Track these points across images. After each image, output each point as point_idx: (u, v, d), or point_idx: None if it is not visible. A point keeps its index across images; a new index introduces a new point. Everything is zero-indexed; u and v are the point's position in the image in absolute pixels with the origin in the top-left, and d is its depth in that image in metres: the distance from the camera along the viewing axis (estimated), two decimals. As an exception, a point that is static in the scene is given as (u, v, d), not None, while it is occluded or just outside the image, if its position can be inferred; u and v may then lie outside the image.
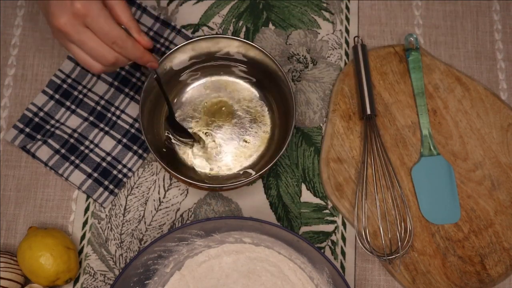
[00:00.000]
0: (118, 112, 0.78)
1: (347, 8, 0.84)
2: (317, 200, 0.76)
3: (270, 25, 0.83)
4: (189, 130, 0.76)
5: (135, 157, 0.76)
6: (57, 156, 0.75)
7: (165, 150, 0.75)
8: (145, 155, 0.77)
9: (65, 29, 0.57)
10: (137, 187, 0.76)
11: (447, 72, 0.80)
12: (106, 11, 0.58)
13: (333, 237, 0.75)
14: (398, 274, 0.73)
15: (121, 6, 0.60)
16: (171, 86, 0.76)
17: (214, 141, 0.76)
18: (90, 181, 0.75)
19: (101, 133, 0.77)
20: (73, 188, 0.76)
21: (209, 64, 0.77)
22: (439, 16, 0.84)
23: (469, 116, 0.78)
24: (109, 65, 0.61)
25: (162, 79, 0.72)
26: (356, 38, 0.81)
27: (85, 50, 0.59)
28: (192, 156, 0.76)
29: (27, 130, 0.77)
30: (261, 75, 0.76)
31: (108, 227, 0.75)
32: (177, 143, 0.75)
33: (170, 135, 0.75)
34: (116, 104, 0.78)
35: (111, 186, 0.75)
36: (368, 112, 0.76)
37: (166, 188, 0.76)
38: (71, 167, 0.75)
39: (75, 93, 0.78)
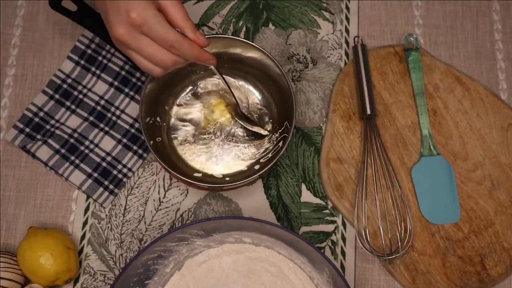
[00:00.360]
0: (118, 112, 0.78)
1: (347, 8, 0.84)
2: (317, 200, 0.76)
3: (270, 25, 0.83)
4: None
5: (135, 157, 0.76)
6: (57, 156, 0.75)
7: (163, 146, 0.75)
8: (145, 155, 0.77)
9: (123, 39, 0.59)
10: (137, 187, 0.76)
11: (447, 72, 0.80)
12: (161, 16, 0.59)
13: (333, 237, 0.75)
14: (398, 274, 0.73)
15: (175, 7, 0.61)
16: (171, 87, 0.76)
17: (214, 141, 0.76)
18: (90, 181, 0.75)
19: (101, 133, 0.77)
20: (73, 188, 0.76)
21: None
22: (439, 16, 0.84)
23: (469, 116, 0.78)
24: (169, 67, 0.62)
25: (162, 78, 0.72)
26: (356, 38, 0.81)
27: (143, 55, 0.60)
28: (192, 156, 0.76)
29: (27, 130, 0.77)
30: (261, 75, 0.76)
31: (108, 227, 0.75)
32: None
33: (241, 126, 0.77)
34: (116, 104, 0.78)
35: (111, 186, 0.75)
36: (368, 112, 0.76)
37: (166, 188, 0.76)
38: (71, 167, 0.75)
39: (75, 93, 0.78)
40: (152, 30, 0.58)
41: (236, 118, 0.76)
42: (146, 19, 0.57)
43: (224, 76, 0.78)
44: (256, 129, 0.75)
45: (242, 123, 0.76)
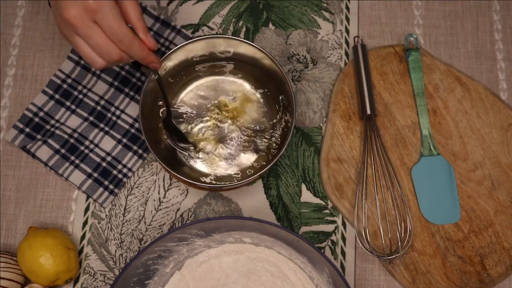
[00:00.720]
0: (118, 112, 0.78)
1: (347, 8, 0.84)
2: (317, 200, 0.76)
3: (270, 25, 0.83)
4: (189, 131, 0.76)
5: (135, 157, 0.76)
6: (57, 156, 0.75)
7: (163, 146, 0.75)
8: (145, 155, 0.77)
9: (73, 22, 0.58)
10: (137, 187, 0.76)
11: (447, 72, 0.80)
12: (117, 9, 0.59)
13: (333, 237, 0.75)
14: (398, 274, 0.73)
15: (132, 6, 0.61)
16: (171, 86, 0.76)
17: (214, 141, 0.76)
18: (90, 181, 0.75)
19: (101, 133, 0.77)
20: (73, 188, 0.76)
21: (209, 64, 0.77)
22: (439, 16, 0.84)
23: (469, 116, 0.78)
24: (112, 62, 0.61)
25: (162, 78, 0.72)
26: (356, 38, 0.81)
27: (90, 44, 0.60)
28: (192, 156, 0.75)
29: (27, 130, 0.77)
30: (261, 75, 0.76)
31: (108, 227, 0.75)
32: (176, 147, 0.75)
33: (169, 140, 0.75)
34: (116, 104, 0.78)
35: (111, 186, 0.75)
36: (368, 112, 0.76)
37: (166, 188, 0.76)
38: (71, 167, 0.75)
39: (75, 93, 0.78)
40: (105, 19, 0.58)
41: (164, 128, 0.75)
42: (102, 6, 0.57)
43: (224, 76, 0.78)
44: (182, 145, 0.75)
45: (167, 135, 0.75)
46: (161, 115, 0.76)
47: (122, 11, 0.60)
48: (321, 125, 0.79)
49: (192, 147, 0.75)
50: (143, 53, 0.62)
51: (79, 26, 0.58)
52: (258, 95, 0.78)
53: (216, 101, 0.77)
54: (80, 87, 0.79)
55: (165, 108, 0.75)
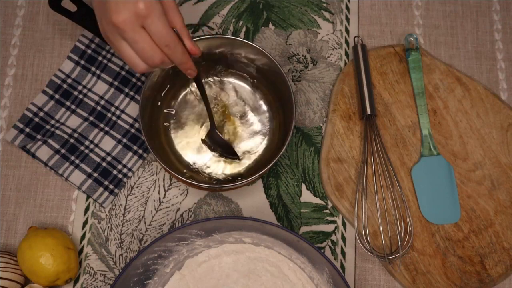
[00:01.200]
0: (118, 112, 0.78)
1: (347, 8, 0.84)
2: (317, 200, 0.76)
3: (270, 25, 0.83)
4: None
5: (135, 157, 0.76)
6: (57, 156, 0.75)
7: (163, 146, 0.75)
8: (145, 155, 0.77)
9: (122, 26, 0.58)
10: (137, 187, 0.76)
11: (447, 72, 0.80)
12: (164, 14, 0.59)
13: (333, 237, 0.75)
14: (398, 274, 0.73)
15: (176, 10, 0.61)
16: (170, 86, 0.76)
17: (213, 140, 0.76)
18: (90, 181, 0.75)
19: (101, 133, 0.77)
20: (73, 188, 0.76)
21: (209, 64, 0.77)
22: (439, 16, 0.84)
23: (469, 116, 0.78)
24: (154, 66, 0.61)
25: (162, 78, 0.72)
26: (356, 38, 0.81)
27: (135, 49, 0.60)
28: (192, 156, 0.76)
29: (27, 130, 0.77)
30: (261, 75, 0.76)
31: (108, 227, 0.75)
32: (219, 158, 0.76)
33: (210, 150, 0.75)
34: (116, 104, 0.78)
35: (111, 186, 0.75)
36: (368, 112, 0.76)
37: (166, 188, 0.76)
38: (71, 167, 0.75)
39: (75, 93, 0.78)
40: (154, 24, 0.58)
41: (206, 140, 0.75)
42: (152, 11, 0.57)
43: (223, 76, 0.78)
44: (228, 156, 0.75)
45: (211, 146, 0.75)
46: (160, 114, 0.76)
47: (167, 16, 0.60)
48: (321, 125, 0.79)
49: (238, 160, 0.75)
50: (184, 59, 0.63)
51: (127, 30, 0.58)
52: (258, 95, 0.78)
53: (216, 101, 0.77)
54: (80, 87, 0.79)
55: (167, 110, 0.75)
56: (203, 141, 0.75)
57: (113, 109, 0.78)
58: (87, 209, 0.75)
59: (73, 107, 0.78)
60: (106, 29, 0.60)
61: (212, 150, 0.75)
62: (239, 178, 0.74)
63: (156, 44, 0.60)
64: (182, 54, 0.62)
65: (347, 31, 0.83)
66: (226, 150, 0.75)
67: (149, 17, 0.58)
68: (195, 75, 0.67)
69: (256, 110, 0.77)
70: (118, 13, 0.57)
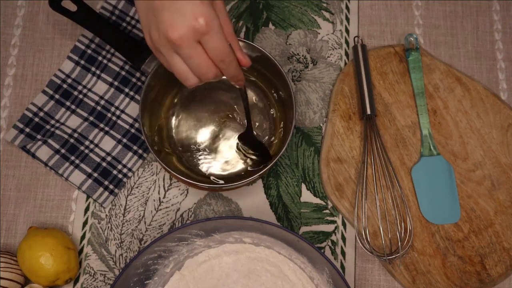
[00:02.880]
0: (118, 112, 0.78)
1: (347, 8, 0.84)
2: (317, 200, 0.76)
3: (270, 25, 0.83)
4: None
5: (135, 157, 0.76)
6: (57, 156, 0.75)
7: (163, 146, 0.75)
8: (145, 155, 0.77)
9: (179, 42, 0.54)
10: (137, 187, 0.76)
11: (447, 72, 0.80)
12: (222, 29, 0.56)
13: (333, 237, 0.75)
14: (398, 274, 0.73)
15: (227, 22, 0.59)
16: (170, 86, 0.76)
17: (214, 140, 0.76)
18: (90, 181, 0.75)
19: (101, 133, 0.77)
20: (73, 188, 0.76)
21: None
22: (439, 16, 0.84)
23: (469, 116, 0.78)
24: (206, 80, 0.59)
25: (163, 78, 0.72)
26: (356, 38, 0.81)
27: (189, 64, 0.57)
28: (193, 156, 0.76)
29: (27, 130, 0.77)
30: (261, 75, 0.76)
31: (108, 227, 0.75)
32: (249, 156, 0.75)
33: (242, 151, 0.75)
34: (116, 104, 0.78)
35: (111, 186, 0.75)
36: (368, 112, 0.76)
37: (166, 188, 0.76)
38: (71, 167, 0.75)
39: (75, 93, 0.78)
40: (212, 41, 0.55)
41: (240, 142, 0.75)
42: (211, 28, 0.54)
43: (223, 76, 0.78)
44: (259, 159, 0.74)
45: (244, 148, 0.75)
46: (162, 115, 0.76)
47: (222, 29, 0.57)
48: (321, 125, 0.79)
49: (269, 161, 0.73)
50: (237, 72, 0.60)
51: (183, 46, 0.55)
52: (258, 95, 0.78)
53: (210, 102, 0.77)
54: (80, 87, 0.79)
55: (166, 107, 0.75)
56: (238, 146, 0.75)
57: (113, 109, 0.78)
58: (87, 209, 0.75)
59: (73, 107, 0.78)
60: (158, 42, 0.56)
61: (245, 156, 0.75)
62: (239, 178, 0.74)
63: (212, 59, 0.56)
64: (235, 69, 0.59)
65: (347, 31, 0.83)
66: (260, 151, 0.74)
67: (208, 34, 0.54)
68: (244, 84, 0.64)
69: (256, 110, 0.77)
70: (174, 28, 0.54)
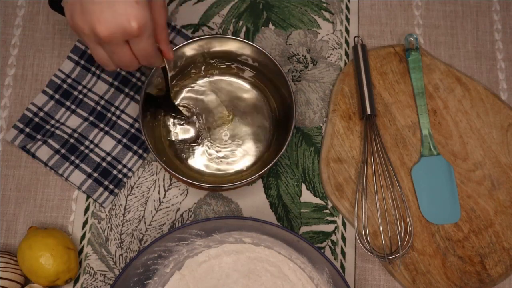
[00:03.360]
0: (118, 112, 0.78)
1: (347, 8, 0.84)
2: (317, 200, 0.76)
3: (270, 25, 0.83)
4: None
5: (135, 157, 0.76)
6: (57, 156, 0.75)
7: (163, 146, 0.75)
8: (145, 155, 0.77)
9: (106, 40, 0.53)
10: (137, 187, 0.76)
11: (447, 72, 0.80)
12: (153, 33, 0.55)
13: (333, 237, 0.75)
14: (398, 274, 0.73)
15: (162, 14, 0.58)
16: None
17: (214, 140, 0.76)
18: (90, 181, 0.75)
19: (101, 133, 0.77)
20: (73, 188, 0.76)
21: (209, 64, 0.77)
22: (439, 16, 0.84)
23: (469, 116, 0.78)
24: (126, 69, 0.59)
25: (162, 78, 0.72)
26: (356, 38, 0.81)
27: (111, 57, 0.56)
28: (192, 156, 0.76)
29: (27, 130, 0.77)
30: (261, 75, 0.76)
31: (108, 227, 0.75)
32: (175, 121, 0.76)
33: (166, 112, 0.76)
34: (116, 104, 0.78)
35: (111, 186, 0.75)
36: (368, 112, 0.76)
37: (166, 188, 0.76)
38: (71, 167, 0.75)
39: (75, 93, 0.78)
40: (142, 44, 0.54)
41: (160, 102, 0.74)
42: (143, 33, 0.53)
43: (223, 76, 0.78)
44: (178, 117, 0.75)
45: (165, 110, 0.75)
46: (161, 115, 0.76)
47: (153, 15, 0.56)
48: (321, 125, 0.79)
49: (185, 118, 0.75)
50: (158, 63, 0.61)
51: (110, 44, 0.54)
52: (258, 95, 0.78)
53: (210, 102, 0.77)
54: (80, 87, 0.79)
55: (168, 109, 0.76)
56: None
57: (113, 109, 0.78)
58: (87, 209, 0.75)
59: (73, 107, 0.78)
60: (81, 30, 0.54)
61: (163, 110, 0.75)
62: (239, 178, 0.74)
63: (136, 56, 0.57)
64: (157, 61, 0.60)
65: (347, 31, 0.83)
66: (177, 114, 0.75)
67: (139, 37, 0.53)
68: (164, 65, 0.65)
69: (256, 110, 0.77)
70: (103, 25, 0.52)
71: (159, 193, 0.76)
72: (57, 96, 0.78)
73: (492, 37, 0.84)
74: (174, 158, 0.75)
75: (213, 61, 0.77)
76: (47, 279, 0.68)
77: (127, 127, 0.77)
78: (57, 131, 0.76)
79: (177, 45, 0.72)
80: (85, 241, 0.74)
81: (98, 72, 0.79)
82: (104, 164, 0.76)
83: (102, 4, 0.51)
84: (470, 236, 0.74)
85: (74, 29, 0.56)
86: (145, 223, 0.75)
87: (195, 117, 0.76)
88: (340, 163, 0.76)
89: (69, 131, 0.76)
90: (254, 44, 0.72)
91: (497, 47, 0.83)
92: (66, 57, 0.80)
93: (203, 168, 0.75)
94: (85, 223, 0.75)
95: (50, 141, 0.76)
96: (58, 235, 0.70)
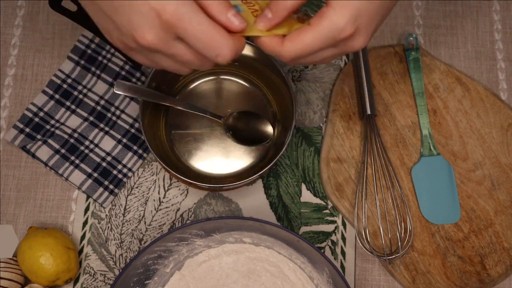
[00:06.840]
0: (118, 112, 0.78)
1: (347, 8, 0.84)
2: (317, 200, 0.76)
3: (270, 25, 0.83)
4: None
5: (135, 157, 0.76)
6: (57, 156, 0.75)
7: (163, 146, 0.75)
8: (145, 155, 0.77)
9: (154, 47, 0.47)
10: (137, 187, 0.76)
11: (447, 72, 0.80)
12: (201, 13, 0.46)
13: (333, 237, 0.75)
14: (398, 274, 0.73)
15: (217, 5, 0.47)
16: (170, 86, 0.76)
17: (214, 140, 0.76)
18: (90, 181, 0.75)
19: (101, 133, 0.77)
20: (73, 188, 0.76)
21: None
22: (439, 16, 0.84)
23: (469, 116, 0.78)
24: (203, 69, 0.52)
25: (160, 80, 0.72)
26: (356, 38, 0.81)
27: (179, 62, 0.50)
28: (193, 156, 0.75)
29: (27, 130, 0.77)
30: (260, 75, 0.76)
31: (108, 227, 0.75)
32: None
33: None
34: (116, 104, 0.78)
35: (111, 186, 0.75)
36: (368, 112, 0.76)
37: (166, 188, 0.76)
38: (71, 167, 0.75)
39: (75, 93, 0.78)
40: (189, 30, 0.46)
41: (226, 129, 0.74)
42: (181, 16, 0.45)
43: (223, 76, 0.78)
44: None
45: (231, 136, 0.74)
46: (161, 114, 0.76)
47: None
48: (321, 125, 0.79)
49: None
50: (234, 52, 0.50)
51: (161, 49, 0.47)
52: (258, 95, 0.78)
53: (210, 102, 0.77)
54: (80, 87, 0.79)
55: (166, 108, 0.75)
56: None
57: (113, 109, 0.78)
58: (87, 209, 0.75)
59: (73, 107, 0.78)
60: (130, 48, 0.49)
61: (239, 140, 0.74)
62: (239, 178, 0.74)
63: (197, 50, 0.48)
64: (229, 50, 0.49)
65: (347, 31, 0.83)
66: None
67: (180, 24, 0.45)
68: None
69: (256, 109, 0.77)
70: (143, 34, 0.46)
71: (159, 193, 0.76)
72: (57, 96, 0.78)
73: (492, 37, 0.84)
74: (174, 158, 0.75)
75: (213, 61, 0.77)
76: (47, 279, 0.68)
77: (127, 127, 0.77)
78: (57, 131, 0.76)
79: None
80: (85, 241, 0.74)
81: (98, 72, 0.79)
82: (104, 164, 0.76)
83: (128, 14, 0.46)
84: (470, 236, 0.74)
85: (126, 51, 0.51)
86: (145, 223, 0.75)
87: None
88: (340, 163, 0.76)
89: (69, 131, 0.76)
90: (254, 44, 0.72)
91: (497, 47, 0.83)
92: (66, 57, 0.80)
93: (203, 168, 0.75)
94: (85, 223, 0.75)
95: (50, 141, 0.76)
96: (58, 235, 0.70)
